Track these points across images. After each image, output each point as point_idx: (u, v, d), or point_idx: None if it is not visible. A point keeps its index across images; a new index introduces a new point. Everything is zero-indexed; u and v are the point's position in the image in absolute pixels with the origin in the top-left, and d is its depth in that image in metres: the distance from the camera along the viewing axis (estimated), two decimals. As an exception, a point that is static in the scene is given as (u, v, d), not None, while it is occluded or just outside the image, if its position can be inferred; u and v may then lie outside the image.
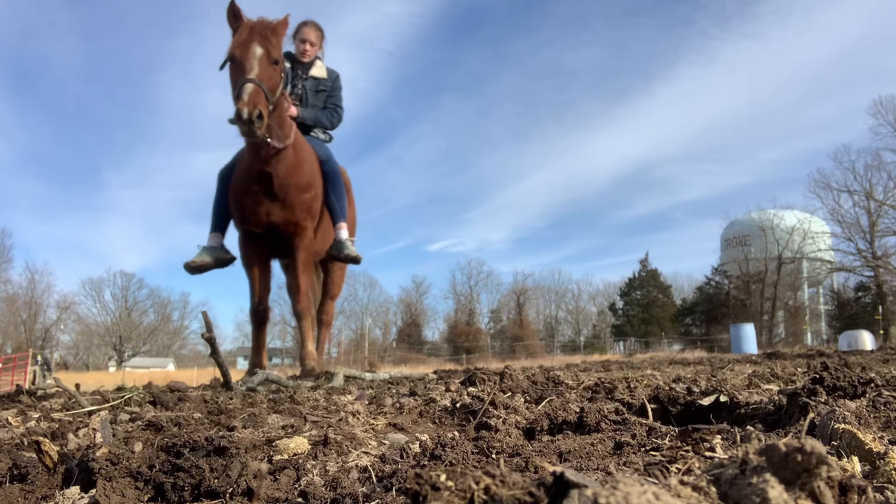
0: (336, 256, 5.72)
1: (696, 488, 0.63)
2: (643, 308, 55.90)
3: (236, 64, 4.45)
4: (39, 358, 23.65)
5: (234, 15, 4.58)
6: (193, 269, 5.19)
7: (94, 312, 59.24)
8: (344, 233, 5.60)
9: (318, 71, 5.60)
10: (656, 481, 0.85)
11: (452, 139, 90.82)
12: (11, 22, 75.82)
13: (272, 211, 4.94)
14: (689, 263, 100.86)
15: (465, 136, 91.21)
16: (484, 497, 0.62)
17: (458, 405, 2.16)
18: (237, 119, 4.22)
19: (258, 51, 4.44)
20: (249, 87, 4.26)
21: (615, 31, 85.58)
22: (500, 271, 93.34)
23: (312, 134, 5.63)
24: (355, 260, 5.78)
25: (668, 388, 2.24)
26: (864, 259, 43.64)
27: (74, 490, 1.16)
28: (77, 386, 3.27)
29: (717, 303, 51.99)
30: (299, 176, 4.97)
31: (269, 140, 4.61)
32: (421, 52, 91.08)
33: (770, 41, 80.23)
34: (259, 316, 5.25)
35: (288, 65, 5.40)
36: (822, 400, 1.59)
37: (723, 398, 1.90)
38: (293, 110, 5.19)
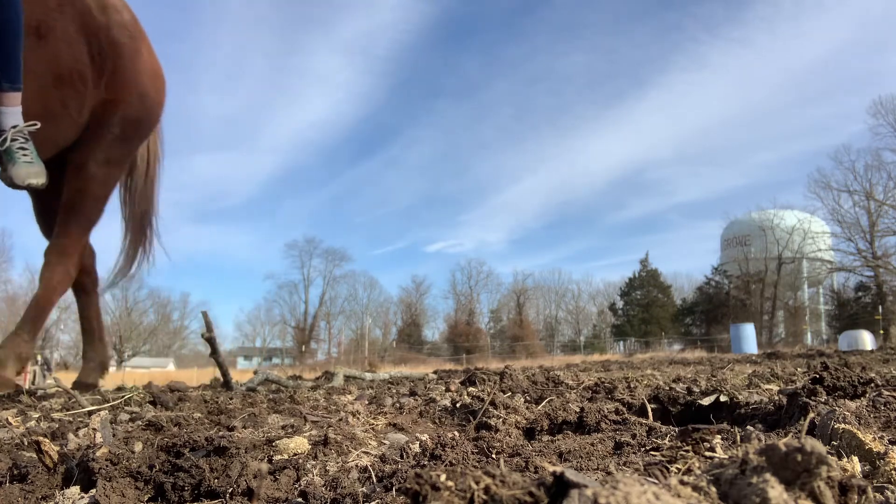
0: None
1: (696, 488, 0.63)
2: (643, 308, 55.89)
3: None
4: (39, 358, 23.64)
5: None
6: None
7: (94, 312, 59.19)
8: (13, 117, 3.00)
9: None
10: (656, 481, 0.85)
11: (449, 142, 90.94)
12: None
13: None
14: (689, 263, 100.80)
15: (462, 139, 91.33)
16: (484, 497, 0.61)
17: (458, 405, 2.16)
18: None
19: None
20: None
21: (607, 38, 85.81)
22: (499, 271, 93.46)
23: None
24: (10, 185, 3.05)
25: (668, 388, 2.24)
26: (864, 259, 43.66)
27: (74, 490, 1.16)
28: (77, 386, 3.27)
29: (717, 303, 51.99)
30: None
31: None
32: (416, 59, 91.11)
33: (759, 47, 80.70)
34: None
35: None
36: (822, 400, 1.59)
37: (723, 398, 1.90)
38: None
